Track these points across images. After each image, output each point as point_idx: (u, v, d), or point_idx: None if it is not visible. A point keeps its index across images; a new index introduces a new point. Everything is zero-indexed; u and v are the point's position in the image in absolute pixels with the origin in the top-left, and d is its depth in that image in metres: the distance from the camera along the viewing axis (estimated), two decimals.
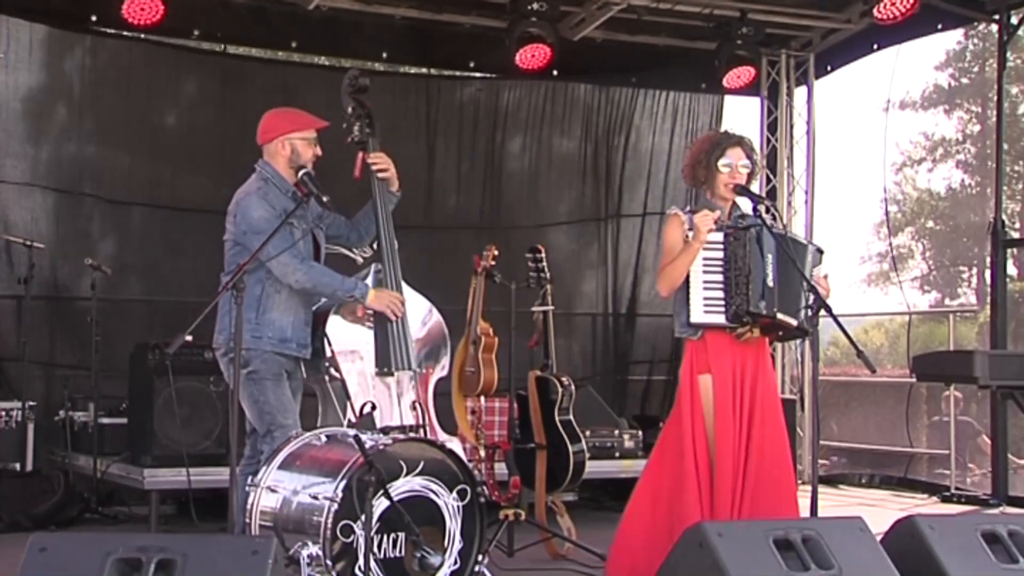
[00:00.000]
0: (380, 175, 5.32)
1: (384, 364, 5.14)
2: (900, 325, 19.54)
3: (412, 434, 5.03)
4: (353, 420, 5.00)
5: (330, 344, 5.11)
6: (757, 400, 5.02)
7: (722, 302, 4.95)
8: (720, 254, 4.97)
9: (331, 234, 5.40)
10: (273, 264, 4.98)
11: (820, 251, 5.26)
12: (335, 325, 5.15)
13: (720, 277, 4.95)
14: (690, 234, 4.99)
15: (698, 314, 4.97)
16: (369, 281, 5.25)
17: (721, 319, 4.96)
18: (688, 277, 4.98)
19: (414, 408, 5.21)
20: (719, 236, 4.99)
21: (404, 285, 5.32)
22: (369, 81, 5.41)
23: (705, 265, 4.97)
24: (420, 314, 5.37)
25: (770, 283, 4.90)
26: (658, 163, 10.24)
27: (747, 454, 4.97)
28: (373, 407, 5.05)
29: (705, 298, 4.96)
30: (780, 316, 4.94)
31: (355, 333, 5.18)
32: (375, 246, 5.36)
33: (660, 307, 10.03)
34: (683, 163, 5.37)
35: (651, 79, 10.13)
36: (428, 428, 5.19)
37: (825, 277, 5.16)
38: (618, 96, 10.11)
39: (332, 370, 5.13)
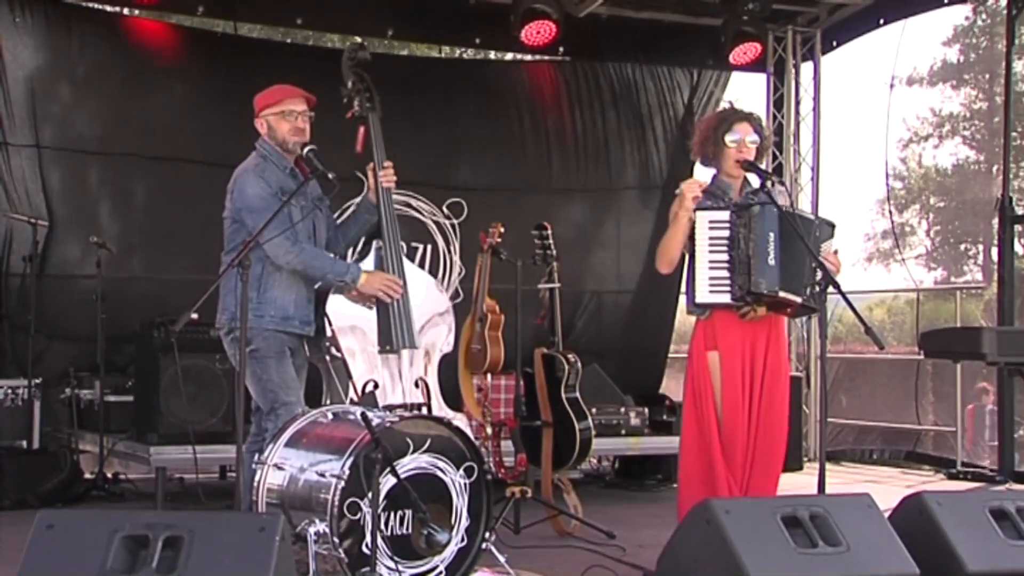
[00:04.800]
0: (385, 183, 5.29)
1: (386, 342, 5.13)
2: (904, 302, 19.49)
3: (418, 411, 5.03)
4: (355, 399, 5.00)
5: (330, 323, 5.10)
6: (768, 379, 5.01)
7: (727, 281, 4.93)
8: (726, 233, 4.94)
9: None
10: (267, 245, 4.95)
11: (831, 225, 5.22)
12: (337, 305, 5.14)
13: (726, 256, 4.93)
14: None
15: (703, 294, 4.95)
16: (371, 258, 5.23)
17: (726, 298, 4.94)
18: (695, 256, 4.95)
19: (417, 385, 5.20)
20: (725, 215, 4.96)
21: (408, 263, 5.31)
22: (370, 55, 5.38)
23: (711, 244, 4.94)
24: (423, 290, 5.36)
25: (771, 262, 4.87)
26: (663, 139, 10.19)
27: (755, 432, 4.96)
28: (376, 385, 5.04)
29: (711, 278, 4.94)
30: (783, 294, 4.90)
31: (357, 313, 5.16)
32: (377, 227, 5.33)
33: (664, 284, 10.02)
34: (692, 140, 5.34)
35: (657, 55, 10.08)
36: (431, 405, 5.19)
37: (835, 253, 5.14)
38: (624, 72, 10.06)
39: (333, 349, 5.12)
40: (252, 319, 4.90)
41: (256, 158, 5.17)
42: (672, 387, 9.69)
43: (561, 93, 9.82)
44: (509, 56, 9.85)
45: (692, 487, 5.01)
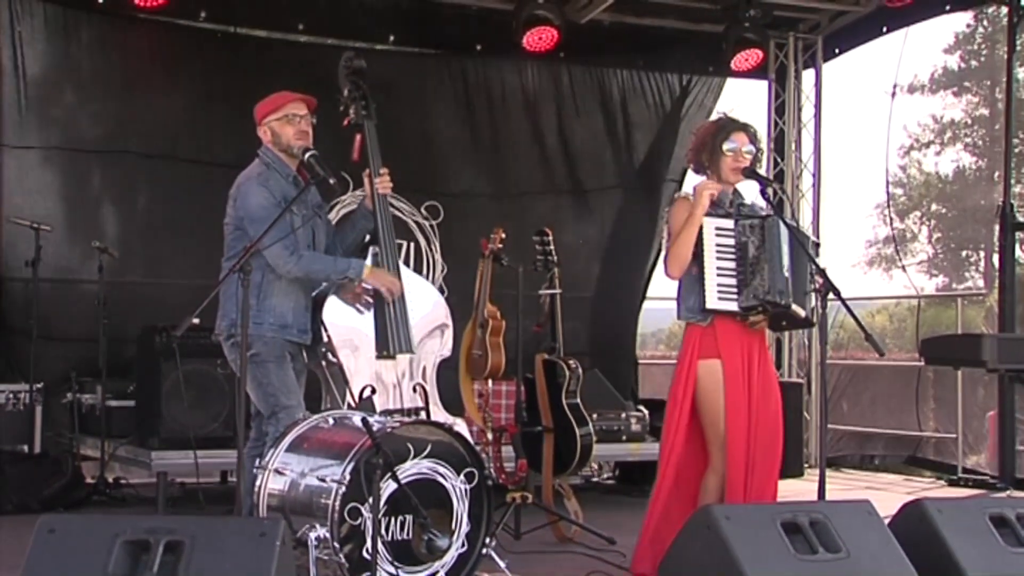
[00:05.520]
0: (381, 189, 5.32)
1: (383, 348, 5.14)
2: (905, 309, 19.49)
3: (419, 417, 5.03)
4: (352, 404, 5.00)
5: (326, 330, 5.11)
6: (762, 387, 5.02)
7: (735, 289, 4.94)
8: (731, 241, 4.95)
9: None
10: (267, 254, 4.97)
11: (816, 244, 5.27)
12: (333, 312, 5.15)
13: (733, 264, 4.94)
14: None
15: (713, 300, 4.96)
16: (368, 263, 5.24)
17: (734, 306, 4.96)
18: (702, 263, 4.96)
19: (416, 390, 5.21)
20: (730, 223, 4.97)
21: (406, 269, 5.33)
22: (365, 63, 5.39)
23: (718, 251, 4.96)
24: (421, 297, 5.37)
25: (786, 273, 4.90)
26: (663, 145, 10.18)
27: (753, 440, 4.98)
28: (373, 390, 5.05)
29: (719, 285, 4.95)
30: (794, 307, 4.94)
31: (353, 320, 5.17)
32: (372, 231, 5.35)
33: (663, 289, 10.01)
34: (688, 148, 5.35)
35: (658, 62, 10.08)
36: (429, 411, 5.20)
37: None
38: (625, 79, 10.06)
39: (329, 355, 5.13)
40: (252, 326, 4.89)
41: (259, 166, 5.19)
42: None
43: (541, 95, 9.78)
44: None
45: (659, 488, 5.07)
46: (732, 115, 5.27)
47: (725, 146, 5.06)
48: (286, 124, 5.18)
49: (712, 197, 4.98)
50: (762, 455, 5.00)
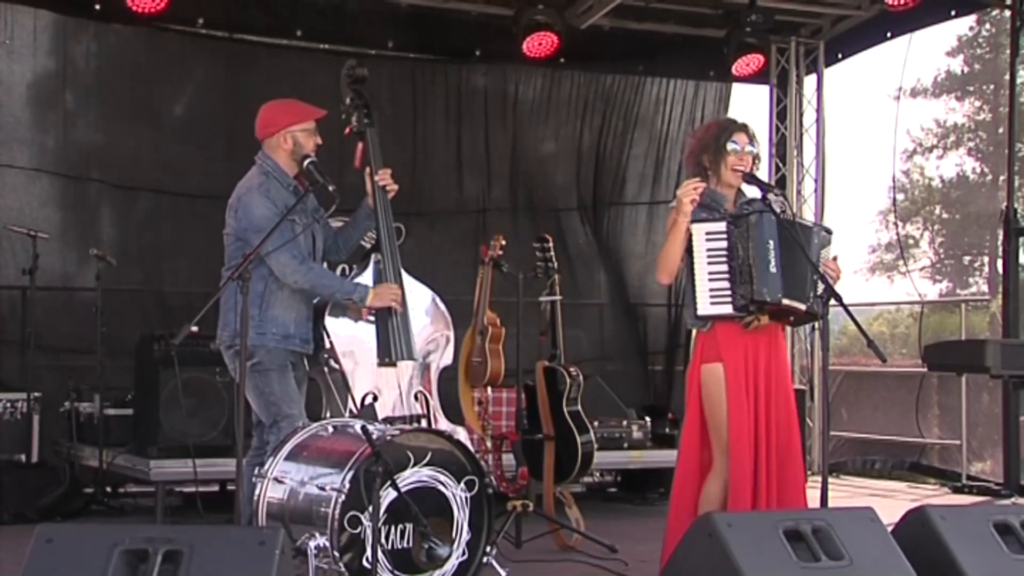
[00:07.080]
0: (389, 191, 5.31)
1: (385, 354, 5.12)
2: (908, 315, 19.47)
3: (419, 425, 5.01)
4: (354, 411, 4.98)
5: (329, 336, 5.09)
6: (772, 389, 4.97)
7: (728, 292, 4.90)
8: (724, 244, 4.91)
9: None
10: (272, 262, 4.94)
11: (828, 231, 5.20)
12: (336, 320, 5.13)
13: (725, 268, 4.90)
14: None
15: (705, 306, 4.92)
16: (369, 271, 5.23)
17: (728, 309, 4.91)
18: (694, 269, 4.93)
19: (417, 398, 5.19)
20: (722, 226, 4.93)
21: (407, 276, 5.31)
22: (367, 71, 5.38)
23: (710, 255, 4.91)
24: (423, 304, 5.35)
25: (773, 269, 4.84)
26: (666, 152, 10.18)
27: (762, 444, 4.94)
28: (375, 397, 5.03)
29: (711, 289, 4.91)
30: (786, 301, 4.88)
31: (355, 328, 5.16)
32: (375, 236, 5.33)
33: (665, 297, 9.98)
34: (685, 151, 5.31)
35: (659, 67, 10.07)
36: (432, 418, 5.17)
37: (835, 259, 5.12)
38: (625, 84, 10.05)
39: (332, 361, 5.11)
40: (255, 336, 4.90)
41: (259, 175, 5.16)
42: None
43: (555, 103, 9.76)
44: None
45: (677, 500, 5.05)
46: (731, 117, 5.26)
47: (729, 145, 5.02)
48: (309, 137, 5.21)
49: (695, 202, 4.93)
50: (778, 460, 4.95)
